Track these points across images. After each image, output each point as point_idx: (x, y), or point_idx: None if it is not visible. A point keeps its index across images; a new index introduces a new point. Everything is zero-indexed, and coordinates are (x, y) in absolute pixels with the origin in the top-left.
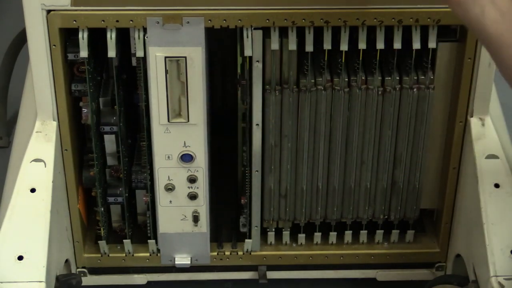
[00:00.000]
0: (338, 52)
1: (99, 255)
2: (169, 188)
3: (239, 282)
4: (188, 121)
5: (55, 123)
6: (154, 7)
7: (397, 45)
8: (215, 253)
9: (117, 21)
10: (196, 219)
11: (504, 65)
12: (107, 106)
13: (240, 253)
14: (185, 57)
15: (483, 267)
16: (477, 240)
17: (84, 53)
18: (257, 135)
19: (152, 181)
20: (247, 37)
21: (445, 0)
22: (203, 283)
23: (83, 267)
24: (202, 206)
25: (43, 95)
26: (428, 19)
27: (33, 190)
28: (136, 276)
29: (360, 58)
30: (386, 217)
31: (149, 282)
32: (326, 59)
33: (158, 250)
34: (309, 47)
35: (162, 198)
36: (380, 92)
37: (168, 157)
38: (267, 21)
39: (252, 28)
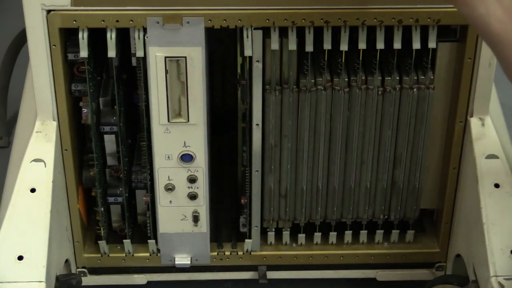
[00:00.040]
0: (338, 52)
1: (99, 255)
2: (169, 188)
3: (239, 282)
4: (188, 121)
5: (55, 123)
6: (154, 7)
7: (397, 45)
8: (215, 253)
9: (117, 21)
10: (196, 219)
11: (507, 64)
12: (107, 106)
13: (240, 253)
14: (185, 57)
15: (483, 267)
16: (477, 240)
17: (84, 53)
18: (257, 135)
19: (152, 181)
20: (247, 37)
21: None
22: (203, 283)
23: (83, 267)
24: (202, 206)
25: (43, 95)
26: (428, 19)
27: (33, 190)
28: (136, 276)
29: (360, 58)
30: (386, 217)
31: (149, 282)
32: (326, 59)
33: (158, 250)
34: (309, 47)
35: (162, 198)
36: (380, 92)
37: (168, 157)
38: (267, 21)
39: (252, 28)
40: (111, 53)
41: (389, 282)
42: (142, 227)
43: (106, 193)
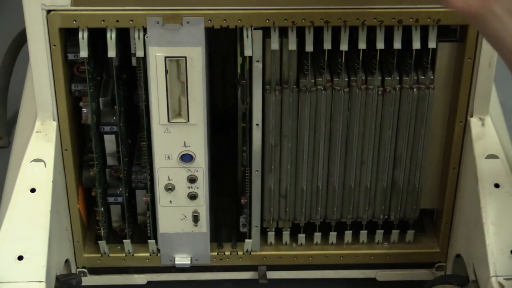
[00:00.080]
0: (338, 52)
1: (99, 255)
2: (169, 188)
3: (239, 282)
4: (188, 121)
5: (55, 123)
6: (154, 7)
7: (397, 45)
8: (215, 253)
9: (117, 21)
10: (196, 219)
11: None
12: (107, 106)
13: (240, 253)
14: (185, 57)
15: (483, 267)
16: (477, 240)
17: (84, 53)
18: (257, 135)
19: (152, 181)
20: (247, 37)
21: (462, 13)
22: (203, 283)
23: (83, 267)
24: (202, 206)
25: (43, 95)
26: (428, 19)
27: (33, 190)
28: (136, 276)
29: (360, 58)
30: (386, 217)
31: (149, 282)
32: (326, 59)
33: (158, 250)
34: (309, 47)
35: (162, 198)
36: (380, 92)
37: (168, 157)
38: (267, 21)
39: (252, 28)
40: (111, 53)
41: (389, 282)
42: (142, 227)
43: (106, 193)
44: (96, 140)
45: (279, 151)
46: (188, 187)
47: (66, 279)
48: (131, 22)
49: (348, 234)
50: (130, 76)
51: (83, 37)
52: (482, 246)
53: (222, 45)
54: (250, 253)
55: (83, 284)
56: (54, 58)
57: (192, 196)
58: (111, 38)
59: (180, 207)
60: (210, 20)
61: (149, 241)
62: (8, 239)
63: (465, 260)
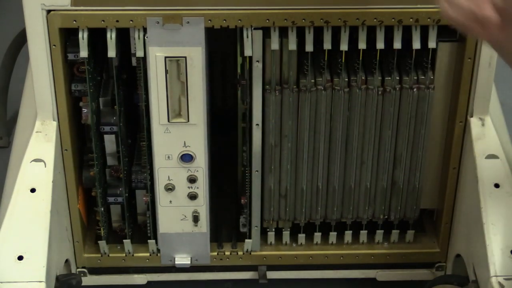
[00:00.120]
0: (338, 52)
1: (99, 255)
2: (169, 188)
3: (239, 282)
4: (188, 121)
5: (55, 123)
6: (154, 7)
7: (397, 45)
8: (215, 253)
9: (117, 21)
10: (196, 219)
11: None
12: (107, 106)
13: (240, 253)
14: (185, 57)
15: (483, 267)
16: (477, 240)
17: (84, 53)
18: (257, 135)
19: (152, 181)
20: (247, 37)
21: (477, 34)
22: (203, 283)
23: (83, 267)
24: (202, 206)
25: (43, 95)
26: (428, 19)
27: (33, 190)
28: (136, 276)
29: (360, 58)
30: (386, 217)
31: (149, 282)
32: (326, 59)
33: (158, 250)
34: (309, 47)
35: (162, 198)
36: (380, 92)
37: (168, 157)
38: (267, 21)
39: (252, 28)
40: (111, 53)
41: (389, 282)
42: (142, 227)
43: (106, 193)
44: (96, 140)
45: (279, 151)
46: (188, 187)
47: (66, 279)
48: (131, 22)
49: (348, 234)
50: (130, 76)
51: (83, 37)
52: (482, 246)
53: (222, 45)
54: (250, 253)
55: (83, 284)
56: (54, 58)
57: (192, 196)
58: (111, 38)
59: (180, 207)
60: (210, 20)
61: (149, 241)
62: (8, 239)
63: (465, 260)
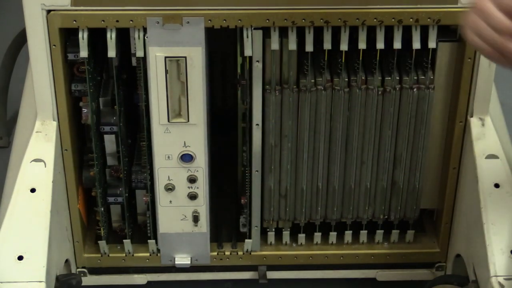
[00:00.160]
0: (338, 52)
1: (99, 255)
2: (169, 188)
3: (239, 282)
4: (188, 121)
5: (55, 123)
6: (154, 7)
7: (397, 45)
8: (215, 253)
9: (117, 21)
10: (196, 219)
11: None
12: (107, 106)
13: (240, 253)
14: (185, 57)
15: (483, 267)
16: (477, 240)
17: (84, 53)
18: (257, 135)
19: (152, 181)
20: (247, 37)
21: (500, 62)
22: (203, 283)
23: (83, 267)
24: (202, 206)
25: (43, 95)
26: (428, 19)
27: (33, 190)
28: (136, 276)
29: (360, 58)
30: (386, 217)
31: (149, 282)
32: (326, 59)
33: (158, 250)
34: (309, 47)
35: (162, 198)
36: (380, 92)
37: (168, 157)
38: (267, 21)
39: (252, 28)
40: (111, 53)
41: (389, 282)
42: (142, 227)
43: (106, 193)
44: (96, 140)
45: (279, 151)
46: (188, 187)
47: (66, 279)
48: (131, 22)
49: (348, 234)
50: (130, 76)
51: (83, 37)
52: (482, 246)
53: (222, 45)
54: (250, 253)
55: (83, 284)
56: (54, 58)
57: (192, 196)
58: (111, 38)
59: (180, 207)
60: (210, 20)
61: (149, 241)
62: (8, 239)
63: (465, 260)
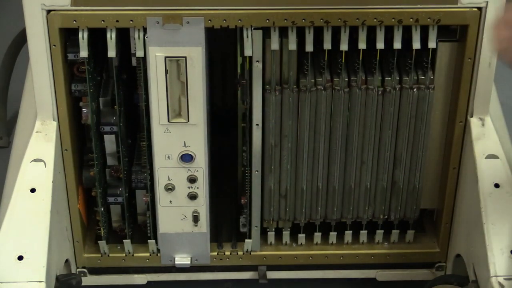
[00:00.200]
0: (338, 52)
1: (99, 255)
2: (169, 188)
3: (239, 282)
4: (188, 121)
5: (55, 123)
6: (154, 7)
7: (397, 45)
8: (215, 253)
9: (117, 21)
10: (196, 219)
11: None
12: (107, 106)
13: (240, 253)
14: (185, 57)
15: (483, 267)
16: (477, 240)
17: (84, 53)
18: (257, 135)
19: (152, 181)
20: (247, 37)
21: None
22: (203, 283)
23: (83, 267)
24: (202, 206)
25: (43, 95)
26: (428, 19)
27: (33, 190)
28: (136, 276)
29: (360, 58)
30: (386, 217)
31: (149, 282)
32: (326, 59)
33: (158, 250)
34: (309, 47)
35: (162, 198)
36: (380, 92)
37: (168, 157)
38: (267, 21)
39: (252, 28)
40: (111, 53)
41: (389, 282)
42: (142, 227)
43: (106, 193)
44: (96, 140)
45: (279, 151)
46: (188, 187)
47: (66, 279)
48: (131, 22)
49: (348, 234)
50: (130, 76)
51: (83, 37)
52: (482, 246)
53: (222, 45)
54: (250, 253)
55: (83, 284)
56: (54, 58)
57: (192, 196)
58: (111, 38)
59: (180, 207)
60: (210, 20)
61: (149, 241)
62: (8, 239)
63: (465, 260)
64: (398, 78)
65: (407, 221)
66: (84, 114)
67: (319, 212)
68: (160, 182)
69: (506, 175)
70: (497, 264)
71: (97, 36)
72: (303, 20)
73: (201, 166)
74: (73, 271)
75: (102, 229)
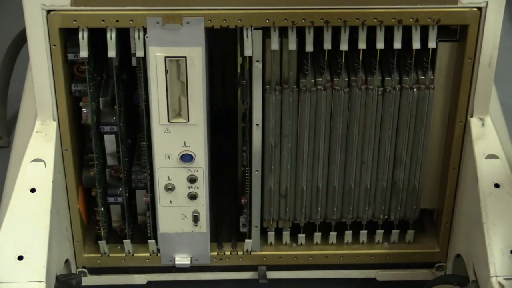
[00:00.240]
0: (338, 52)
1: (99, 255)
2: (169, 188)
3: (239, 282)
4: (188, 121)
5: (55, 123)
6: (154, 7)
7: (397, 45)
8: (215, 253)
9: (117, 21)
10: (196, 219)
11: None
12: (107, 106)
13: (240, 253)
14: (185, 57)
15: (483, 267)
16: (477, 240)
17: (84, 53)
18: (257, 135)
19: (152, 181)
20: (247, 37)
21: None
22: (203, 283)
23: (83, 267)
24: (202, 206)
25: (43, 95)
26: (428, 19)
27: (33, 190)
28: (136, 276)
29: (360, 58)
30: (386, 217)
31: (149, 282)
32: (326, 59)
33: (158, 250)
34: (309, 47)
35: (162, 198)
36: (380, 92)
37: (168, 157)
38: (267, 21)
39: (252, 28)
40: (111, 53)
41: (389, 282)
42: (142, 227)
43: (106, 193)
44: (96, 140)
45: (279, 151)
46: (188, 187)
47: (66, 279)
48: (131, 22)
49: (348, 234)
50: (130, 76)
51: (83, 37)
52: (482, 246)
53: (222, 45)
54: (250, 253)
55: (83, 284)
56: (54, 58)
57: (192, 196)
58: (111, 38)
59: (180, 207)
60: (210, 20)
61: (149, 241)
62: (8, 239)
63: (465, 260)
64: (398, 78)
65: (407, 221)
66: (84, 114)
67: (319, 212)
68: (160, 182)
69: (506, 175)
70: (497, 264)
71: (97, 36)
72: (303, 20)
73: (201, 166)
74: (73, 271)
75: (102, 229)
